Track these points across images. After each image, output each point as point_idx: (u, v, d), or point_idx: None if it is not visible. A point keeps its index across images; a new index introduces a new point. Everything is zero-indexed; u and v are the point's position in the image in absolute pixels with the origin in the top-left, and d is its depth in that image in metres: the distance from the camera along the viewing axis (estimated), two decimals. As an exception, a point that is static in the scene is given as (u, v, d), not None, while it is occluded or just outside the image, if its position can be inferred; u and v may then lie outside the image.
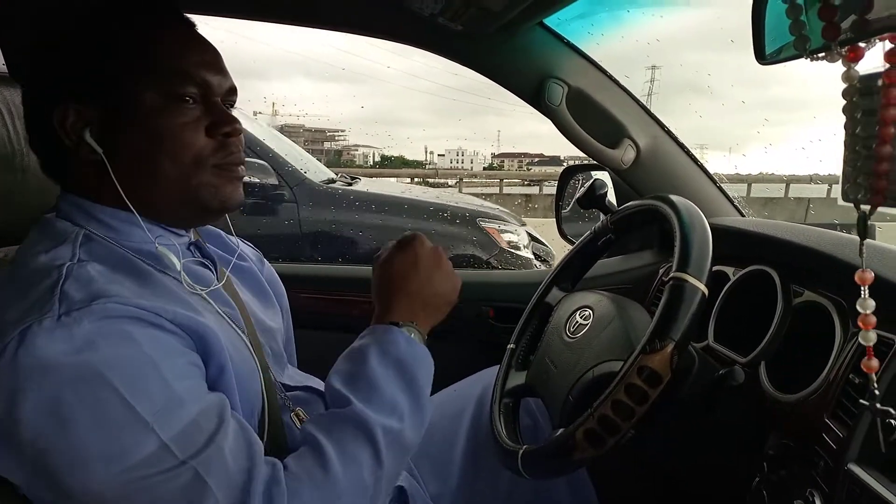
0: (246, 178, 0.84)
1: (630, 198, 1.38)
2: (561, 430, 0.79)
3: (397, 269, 0.90)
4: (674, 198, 0.89)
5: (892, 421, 0.60)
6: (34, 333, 0.61)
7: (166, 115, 0.75)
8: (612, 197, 1.45)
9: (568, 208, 1.66)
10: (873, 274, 0.47)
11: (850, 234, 0.99)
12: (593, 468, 1.06)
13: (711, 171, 1.42)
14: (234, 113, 0.82)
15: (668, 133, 1.40)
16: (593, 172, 1.59)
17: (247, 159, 0.84)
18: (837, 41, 0.42)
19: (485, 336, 1.52)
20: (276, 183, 3.46)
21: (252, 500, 0.65)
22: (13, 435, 0.62)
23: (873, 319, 0.48)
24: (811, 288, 0.90)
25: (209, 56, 0.80)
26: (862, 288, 0.47)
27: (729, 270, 1.09)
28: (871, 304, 0.48)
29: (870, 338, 0.49)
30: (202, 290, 0.79)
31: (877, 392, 0.52)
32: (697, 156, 1.42)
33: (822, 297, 0.87)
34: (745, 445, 0.87)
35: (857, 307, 0.49)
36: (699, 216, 0.84)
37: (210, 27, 0.85)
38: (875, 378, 0.52)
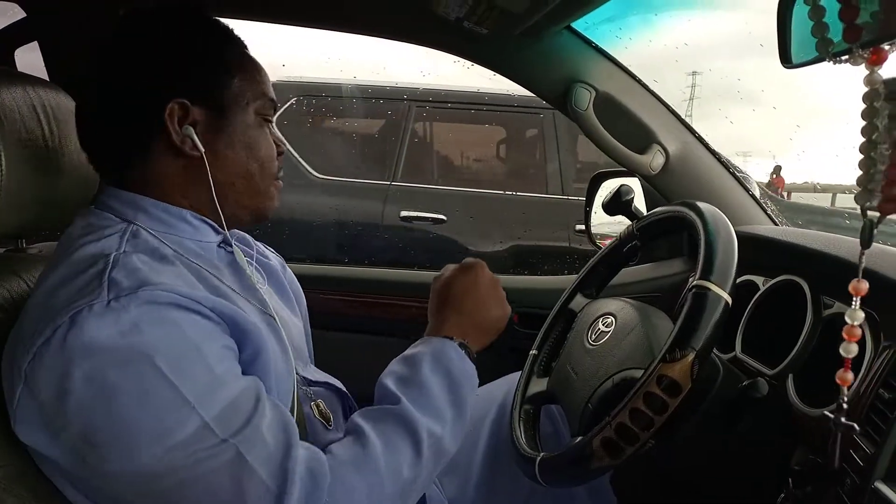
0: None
1: (660, 205, 1.36)
2: (578, 439, 0.78)
3: (456, 290, 0.94)
4: (699, 204, 0.87)
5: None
6: (84, 317, 0.64)
7: (257, 128, 0.85)
8: (641, 204, 1.43)
9: (596, 214, 1.64)
10: (867, 285, 0.46)
11: (884, 244, 0.96)
12: (615, 478, 1.04)
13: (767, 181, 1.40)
14: None
15: (699, 138, 1.38)
16: (623, 179, 1.57)
17: None
18: (859, 43, 0.40)
19: (508, 341, 1.50)
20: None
21: (293, 476, 0.67)
22: (61, 414, 0.64)
23: (858, 332, 0.47)
24: (842, 299, 0.88)
25: (270, 83, 0.89)
26: (854, 298, 0.46)
27: (759, 280, 1.06)
28: (861, 315, 0.47)
29: (851, 350, 0.48)
30: (261, 286, 0.85)
31: (845, 406, 0.52)
32: (741, 165, 1.40)
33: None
34: (771, 460, 0.85)
35: (846, 318, 0.48)
36: (725, 223, 0.83)
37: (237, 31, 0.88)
38: (846, 391, 0.51)
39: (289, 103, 3.72)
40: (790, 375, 0.88)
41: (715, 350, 0.81)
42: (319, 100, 3.88)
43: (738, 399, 0.80)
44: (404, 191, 3.68)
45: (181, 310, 0.69)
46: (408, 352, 0.88)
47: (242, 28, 0.87)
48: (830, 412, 0.55)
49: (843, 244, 0.97)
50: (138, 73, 0.80)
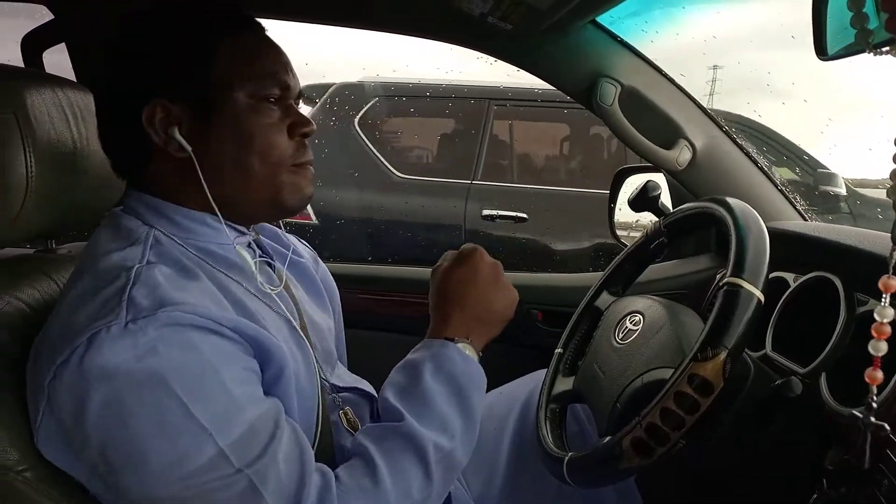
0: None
1: (686, 200, 1.35)
2: (608, 438, 0.77)
3: (455, 282, 0.90)
4: (729, 200, 0.85)
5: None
6: (101, 340, 0.64)
7: (254, 115, 0.77)
8: (666, 200, 1.41)
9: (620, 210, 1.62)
10: None
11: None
12: (642, 479, 1.03)
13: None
14: None
15: (727, 133, 1.36)
16: (648, 174, 1.55)
17: None
18: (903, 34, 0.39)
19: (532, 339, 1.50)
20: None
21: None
22: (79, 434, 0.65)
23: (888, 329, 0.46)
24: (876, 297, 0.86)
25: (285, 59, 0.83)
26: (884, 295, 0.45)
27: (789, 277, 1.04)
28: (890, 312, 0.46)
29: (880, 348, 0.47)
30: (272, 289, 0.81)
31: (875, 405, 0.50)
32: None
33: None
34: (804, 460, 0.84)
35: (876, 315, 0.46)
36: (756, 219, 0.81)
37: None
38: (875, 390, 0.50)
39: (370, 103, 3.77)
40: (823, 374, 0.87)
41: (745, 348, 0.80)
42: (400, 100, 3.92)
43: (770, 398, 0.78)
44: (485, 189, 3.69)
45: (201, 331, 0.67)
46: (408, 357, 0.86)
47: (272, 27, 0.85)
48: (860, 412, 0.53)
49: (878, 240, 0.94)
50: (116, 77, 0.80)
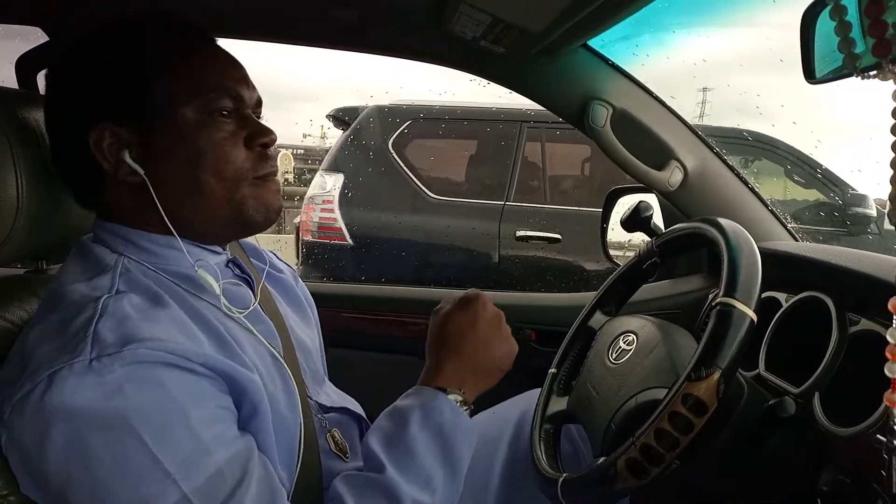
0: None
1: (678, 221, 1.36)
2: (602, 459, 0.77)
3: (455, 327, 0.89)
4: (721, 220, 0.86)
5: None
6: (63, 378, 0.61)
7: (205, 130, 0.75)
8: (658, 220, 1.42)
9: (613, 230, 1.63)
10: None
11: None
12: (637, 500, 1.02)
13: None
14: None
15: (718, 154, 1.37)
16: (640, 195, 1.56)
17: None
18: (889, 58, 0.40)
19: (526, 359, 1.49)
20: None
21: None
22: (41, 471, 0.64)
23: None
24: (868, 316, 0.86)
25: (239, 70, 0.81)
26: (894, 316, 0.45)
27: (781, 297, 1.05)
28: None
29: (895, 370, 0.47)
30: (240, 313, 0.78)
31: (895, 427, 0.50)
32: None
33: (879, 326, 0.83)
34: (798, 480, 0.83)
35: (888, 337, 0.46)
36: (747, 239, 0.82)
37: (259, 51, 0.88)
38: (895, 413, 0.49)
39: (404, 126, 3.81)
40: (816, 394, 0.87)
41: (738, 368, 0.80)
42: (434, 122, 3.97)
43: (764, 418, 0.78)
44: (518, 210, 3.71)
45: (170, 368, 0.64)
46: (398, 403, 0.84)
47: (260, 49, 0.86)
48: (882, 435, 0.53)
49: (868, 259, 0.95)
50: (60, 102, 0.79)
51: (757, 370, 0.99)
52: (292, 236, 4.30)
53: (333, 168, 3.83)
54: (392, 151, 3.77)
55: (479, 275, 3.59)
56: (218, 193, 0.76)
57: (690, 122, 1.37)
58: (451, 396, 0.83)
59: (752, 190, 1.38)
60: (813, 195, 3.91)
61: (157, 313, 0.69)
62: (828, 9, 0.49)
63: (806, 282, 1.01)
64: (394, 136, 3.78)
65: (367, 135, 3.83)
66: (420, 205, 3.72)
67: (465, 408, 0.84)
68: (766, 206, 1.38)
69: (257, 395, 0.71)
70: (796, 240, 1.37)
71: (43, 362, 0.63)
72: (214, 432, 0.66)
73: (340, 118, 4.00)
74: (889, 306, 0.45)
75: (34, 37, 1.41)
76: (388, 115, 3.84)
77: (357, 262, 3.70)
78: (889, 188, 0.42)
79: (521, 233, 3.59)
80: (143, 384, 0.63)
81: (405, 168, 3.78)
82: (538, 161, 3.94)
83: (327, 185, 3.77)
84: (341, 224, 3.69)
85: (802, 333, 0.96)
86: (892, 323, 0.80)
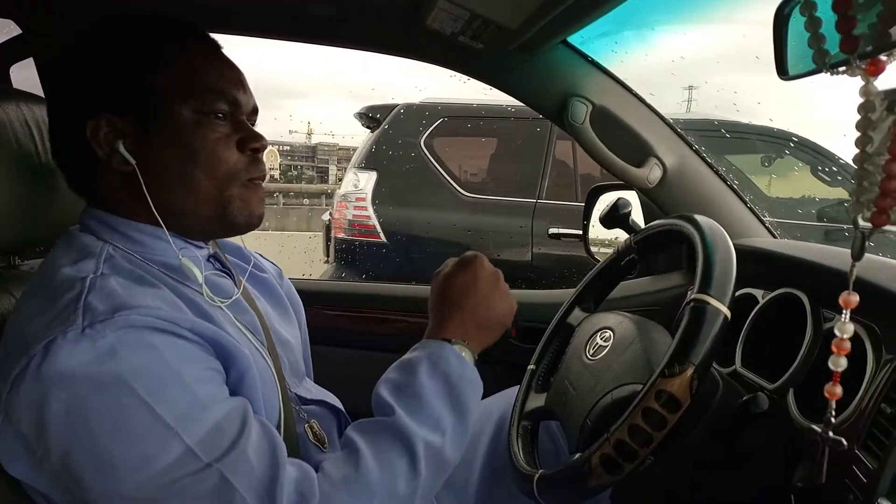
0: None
1: (658, 218, 1.36)
2: (577, 455, 0.77)
3: (456, 287, 0.91)
4: (697, 217, 0.86)
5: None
6: (58, 346, 0.62)
7: (200, 130, 0.77)
8: (639, 217, 1.43)
9: (594, 227, 1.64)
10: (858, 297, 0.45)
11: (885, 256, 0.95)
12: (616, 495, 1.03)
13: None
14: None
15: (697, 152, 1.37)
16: (621, 192, 1.56)
17: None
18: (857, 54, 0.40)
19: (506, 356, 1.50)
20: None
21: (281, 499, 0.66)
22: (41, 445, 0.63)
23: (848, 345, 0.46)
24: (841, 313, 0.87)
25: (237, 75, 0.83)
26: (844, 311, 0.46)
27: (758, 293, 1.05)
28: (850, 328, 0.47)
29: (840, 363, 0.47)
30: (222, 301, 0.80)
31: (833, 420, 0.51)
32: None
33: (854, 323, 0.84)
34: (772, 476, 0.84)
35: (836, 331, 0.47)
36: (722, 236, 0.82)
37: (250, 48, 0.87)
38: (833, 405, 0.51)
39: (436, 124, 3.82)
40: (791, 390, 0.87)
41: (714, 364, 0.80)
42: (465, 120, 3.99)
43: (738, 414, 0.79)
44: (550, 208, 3.73)
45: (160, 333, 0.66)
46: (405, 357, 0.86)
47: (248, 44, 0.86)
48: (818, 427, 0.54)
49: (843, 256, 0.96)
50: (63, 91, 0.80)
51: (733, 366, 1.00)
52: (321, 233, 4.29)
53: (366, 166, 3.84)
54: (424, 149, 3.79)
55: (511, 273, 3.59)
56: (206, 189, 0.78)
57: (680, 119, 1.38)
58: (455, 347, 0.85)
59: (731, 187, 1.39)
60: (840, 193, 3.86)
61: (143, 290, 0.71)
62: (799, 5, 0.49)
63: (782, 278, 1.01)
64: (426, 134, 3.80)
65: (398, 133, 3.85)
66: (453, 202, 3.75)
67: (470, 359, 0.86)
68: (745, 203, 1.39)
69: (244, 363, 0.73)
70: (775, 236, 1.38)
71: (37, 336, 0.64)
72: (209, 390, 0.68)
73: (371, 116, 4.00)
74: (840, 301, 0.45)
75: (7, 30, 1.38)
76: (419, 114, 3.86)
77: (392, 260, 3.72)
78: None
79: (553, 230, 3.60)
80: (135, 347, 0.64)
81: (437, 166, 3.80)
82: (568, 160, 3.96)
83: (360, 182, 3.78)
84: (375, 222, 3.72)
85: (778, 330, 0.97)
86: (873, 321, 0.81)
